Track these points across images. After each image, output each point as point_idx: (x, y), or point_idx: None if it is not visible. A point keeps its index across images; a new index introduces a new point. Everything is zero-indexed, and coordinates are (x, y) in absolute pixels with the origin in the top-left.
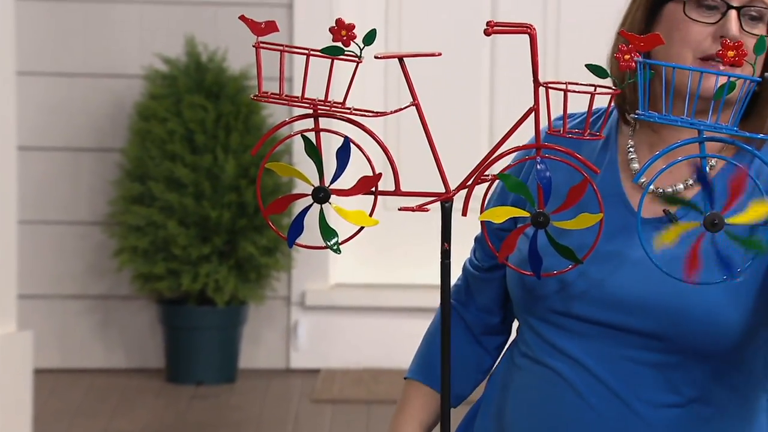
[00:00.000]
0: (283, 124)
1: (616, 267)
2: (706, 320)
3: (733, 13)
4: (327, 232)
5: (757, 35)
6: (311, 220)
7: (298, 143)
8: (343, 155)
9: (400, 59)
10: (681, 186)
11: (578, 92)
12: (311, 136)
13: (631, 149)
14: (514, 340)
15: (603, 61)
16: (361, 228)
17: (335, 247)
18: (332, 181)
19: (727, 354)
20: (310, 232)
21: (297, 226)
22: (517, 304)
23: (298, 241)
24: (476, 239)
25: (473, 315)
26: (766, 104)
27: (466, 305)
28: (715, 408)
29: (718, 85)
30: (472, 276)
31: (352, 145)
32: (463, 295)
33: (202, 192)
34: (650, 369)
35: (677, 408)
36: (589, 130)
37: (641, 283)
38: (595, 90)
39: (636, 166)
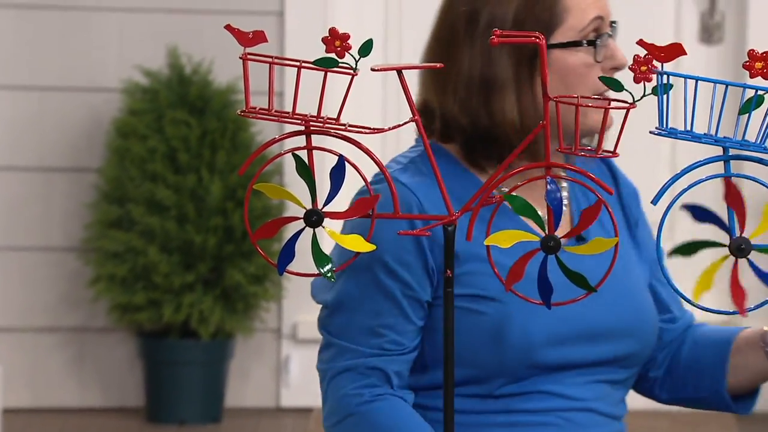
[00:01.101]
0: (273, 141)
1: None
2: (655, 332)
3: (611, 41)
4: (320, 258)
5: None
6: (303, 246)
7: (289, 162)
8: (337, 175)
9: (399, 71)
10: (565, 193)
11: (591, 106)
12: (303, 154)
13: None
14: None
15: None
16: (358, 254)
17: (329, 275)
18: (326, 203)
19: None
20: (302, 259)
21: (288, 252)
22: (492, 367)
23: (289, 267)
24: (374, 330)
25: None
26: None
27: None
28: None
29: (745, 99)
30: (398, 363)
31: (347, 164)
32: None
33: (185, 215)
34: (618, 386)
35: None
36: (602, 147)
37: (611, 311)
38: (608, 104)
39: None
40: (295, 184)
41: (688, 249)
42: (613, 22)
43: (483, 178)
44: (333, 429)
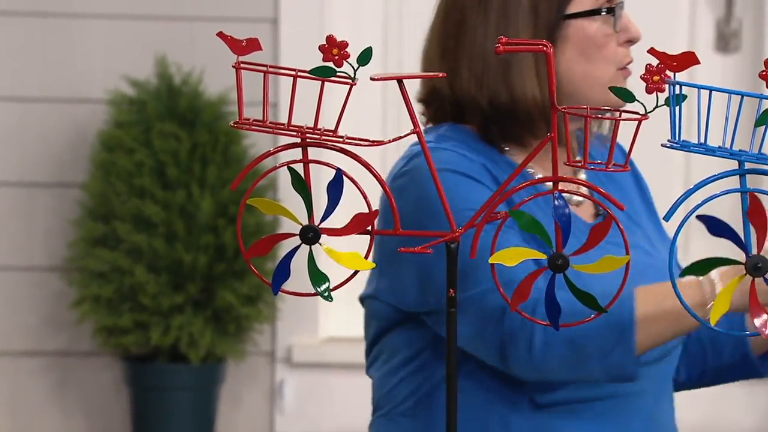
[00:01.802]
0: (267, 154)
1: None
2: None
3: (625, 13)
4: (317, 276)
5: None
6: (299, 264)
7: (283, 177)
8: (335, 190)
9: (400, 81)
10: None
11: (601, 118)
12: (299, 168)
13: (531, 169)
14: None
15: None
16: (356, 272)
17: (326, 294)
18: (323, 219)
19: None
20: (298, 278)
21: (283, 271)
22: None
23: (283, 287)
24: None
25: None
26: None
27: None
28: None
29: (762, 111)
30: None
31: (345, 178)
32: None
33: (174, 233)
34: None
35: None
36: (613, 161)
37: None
38: (619, 115)
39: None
40: (290, 200)
41: (702, 267)
42: None
43: (511, 157)
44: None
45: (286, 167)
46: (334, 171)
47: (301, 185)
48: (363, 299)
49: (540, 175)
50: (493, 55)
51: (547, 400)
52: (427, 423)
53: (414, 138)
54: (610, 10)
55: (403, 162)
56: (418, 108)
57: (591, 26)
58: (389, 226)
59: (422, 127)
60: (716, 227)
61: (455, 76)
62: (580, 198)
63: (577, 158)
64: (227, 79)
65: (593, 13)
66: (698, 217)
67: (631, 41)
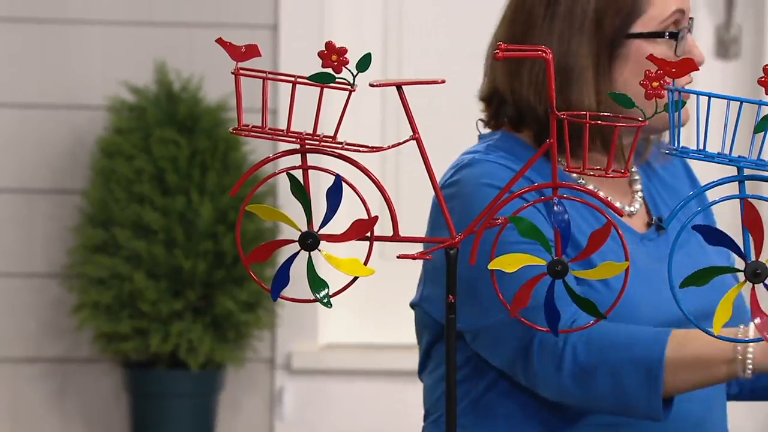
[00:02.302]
0: (267, 161)
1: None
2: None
3: (689, 37)
4: (316, 283)
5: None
6: (298, 270)
7: (283, 183)
8: (334, 196)
9: (399, 87)
10: (637, 205)
11: (601, 124)
12: (298, 174)
13: (581, 179)
14: None
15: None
16: (355, 278)
17: (326, 301)
18: (322, 226)
19: None
20: (297, 284)
21: (282, 277)
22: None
23: (283, 293)
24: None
25: None
26: None
27: None
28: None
29: (761, 117)
30: None
31: (344, 184)
32: None
33: (173, 239)
34: None
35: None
36: (612, 167)
37: (665, 307)
38: (618, 121)
39: (591, 187)
40: (290, 206)
41: (702, 277)
42: (691, 17)
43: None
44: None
45: (285, 173)
46: (333, 177)
47: (300, 191)
48: (412, 306)
49: (592, 186)
50: (555, 63)
51: (587, 420)
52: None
53: (467, 145)
54: (674, 35)
55: (452, 171)
56: (479, 106)
57: (651, 48)
58: (441, 233)
59: (480, 130)
60: (713, 236)
61: (516, 79)
62: (633, 209)
63: (613, 167)
64: (227, 86)
65: (656, 35)
66: (695, 227)
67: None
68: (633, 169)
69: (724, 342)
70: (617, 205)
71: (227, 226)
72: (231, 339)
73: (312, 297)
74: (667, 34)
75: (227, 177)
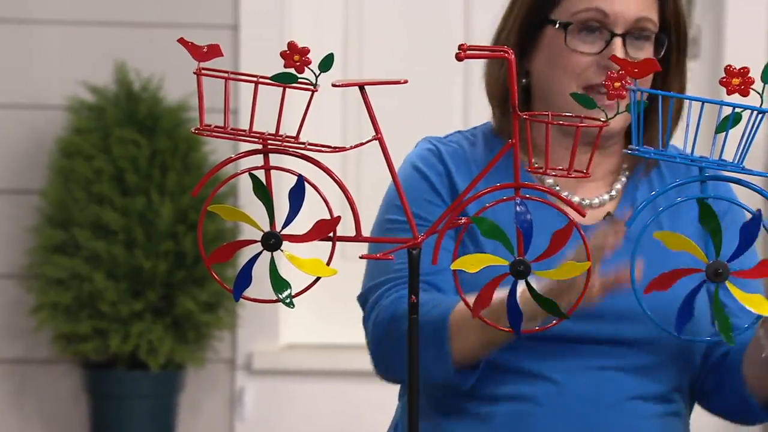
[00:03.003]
0: (229, 161)
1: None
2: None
3: (617, 40)
4: (278, 283)
5: (645, 59)
6: (260, 271)
7: (244, 183)
8: (296, 196)
9: (361, 87)
10: (596, 200)
11: (562, 124)
12: (260, 174)
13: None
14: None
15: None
16: (318, 279)
17: (288, 301)
18: (284, 226)
19: (693, 355)
20: (259, 284)
21: (244, 277)
22: None
23: (245, 294)
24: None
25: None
26: (653, 121)
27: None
28: (686, 409)
29: (722, 117)
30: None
31: (306, 184)
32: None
33: (133, 240)
34: (630, 373)
35: (657, 407)
36: (573, 167)
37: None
38: (581, 121)
39: (550, 182)
40: (251, 206)
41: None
42: (645, 28)
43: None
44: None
45: (247, 174)
46: (296, 177)
47: (263, 191)
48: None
49: (551, 181)
50: (500, 41)
51: (464, 409)
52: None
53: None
54: (565, 25)
55: None
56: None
57: (559, 38)
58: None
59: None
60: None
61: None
62: (590, 201)
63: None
64: (187, 86)
65: (549, 22)
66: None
67: (608, 68)
68: (625, 168)
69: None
70: (575, 199)
71: (188, 227)
72: (191, 339)
73: (274, 297)
74: (558, 23)
75: (188, 177)
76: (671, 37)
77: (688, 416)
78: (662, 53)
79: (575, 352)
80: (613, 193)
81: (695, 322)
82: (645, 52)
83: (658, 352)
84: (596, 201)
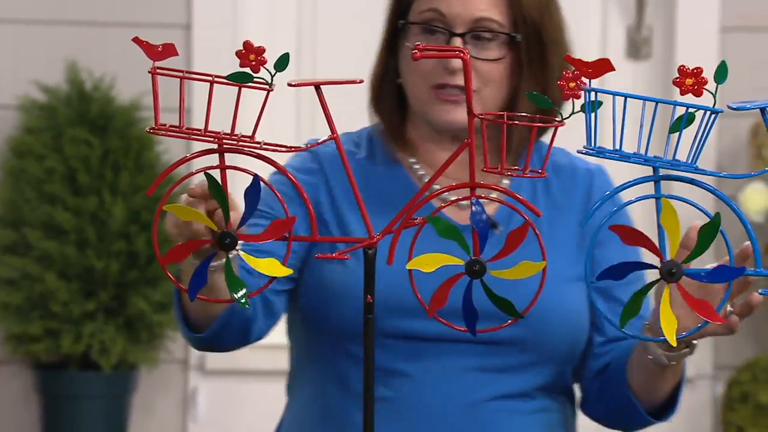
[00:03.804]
0: (184, 160)
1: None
2: (566, 324)
3: (456, 40)
4: (234, 283)
5: (490, 59)
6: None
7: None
8: (252, 195)
9: (317, 87)
10: (494, 194)
11: (518, 124)
12: (216, 173)
13: (416, 166)
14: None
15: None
16: (273, 278)
17: (243, 301)
18: (240, 225)
19: (573, 356)
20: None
21: (199, 277)
22: (338, 334)
23: (200, 294)
24: None
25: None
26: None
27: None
28: (558, 406)
29: (675, 117)
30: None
31: (262, 184)
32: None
33: (85, 240)
34: (500, 373)
35: (528, 408)
36: (530, 167)
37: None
38: (536, 121)
39: (422, 173)
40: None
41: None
42: (486, 28)
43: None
44: None
45: (203, 173)
46: (251, 177)
47: (219, 191)
48: None
49: (423, 172)
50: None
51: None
52: None
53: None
54: (404, 25)
55: None
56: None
57: (410, 38)
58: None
59: None
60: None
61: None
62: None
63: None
64: (139, 85)
65: (395, 23)
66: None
67: (447, 69)
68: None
69: None
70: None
71: (140, 226)
72: (144, 340)
73: (229, 297)
74: (400, 23)
75: (140, 177)
76: (523, 37)
77: (564, 413)
78: (514, 54)
79: (437, 351)
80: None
81: (578, 321)
82: (491, 52)
83: (528, 351)
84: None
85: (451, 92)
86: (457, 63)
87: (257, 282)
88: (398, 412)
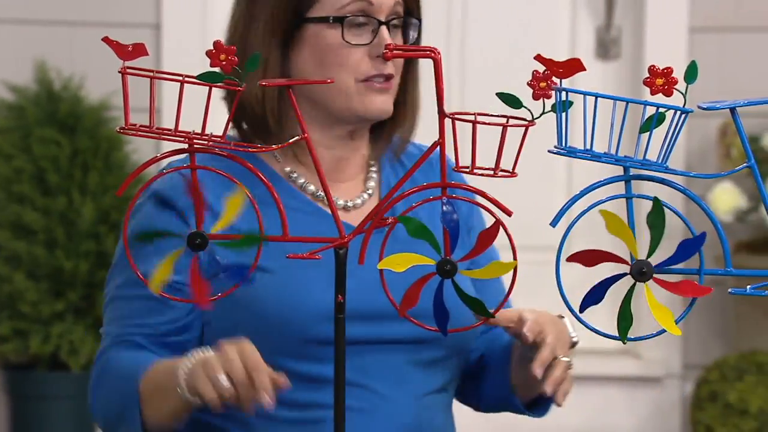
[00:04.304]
0: (154, 160)
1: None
2: (465, 319)
3: (383, 28)
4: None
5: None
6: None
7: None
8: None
9: (289, 87)
10: (358, 200)
11: (489, 124)
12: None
13: (293, 173)
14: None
15: (519, 90)
16: (244, 278)
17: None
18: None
19: (467, 351)
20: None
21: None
22: (263, 347)
23: (169, 295)
24: (147, 302)
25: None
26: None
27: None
28: (451, 395)
29: (646, 117)
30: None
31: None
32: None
33: (54, 240)
34: (421, 367)
35: (438, 396)
36: (500, 167)
37: (368, 298)
38: (507, 122)
39: (312, 188)
40: None
41: (591, 258)
42: (411, 18)
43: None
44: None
45: (177, 172)
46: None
47: (191, 191)
48: None
49: (303, 180)
50: (240, 49)
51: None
52: None
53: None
54: (338, 20)
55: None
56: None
57: (328, 34)
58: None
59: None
60: (590, 258)
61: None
62: (353, 203)
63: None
64: (108, 85)
65: (321, 20)
66: (570, 258)
67: (380, 56)
68: (372, 164)
69: (175, 367)
70: (339, 203)
71: (109, 226)
72: None
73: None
74: (331, 19)
75: (110, 177)
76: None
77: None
78: (416, 37)
79: (378, 352)
80: (369, 191)
81: (456, 316)
82: (398, 38)
83: (446, 346)
84: (359, 201)
85: (378, 81)
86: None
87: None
88: (354, 418)
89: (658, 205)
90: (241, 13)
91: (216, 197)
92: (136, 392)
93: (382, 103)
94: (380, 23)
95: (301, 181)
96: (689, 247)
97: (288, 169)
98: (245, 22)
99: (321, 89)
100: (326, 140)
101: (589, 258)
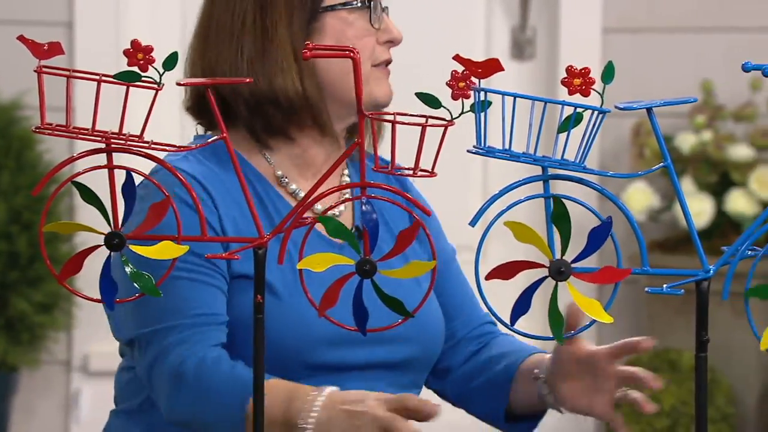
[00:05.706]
0: (71, 160)
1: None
2: (440, 338)
3: (385, 16)
4: (137, 278)
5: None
6: (95, 269)
7: (85, 180)
8: (129, 192)
9: (207, 87)
10: (343, 207)
11: (408, 124)
12: (103, 174)
13: (284, 178)
14: None
15: (434, 89)
16: (165, 277)
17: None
18: (123, 223)
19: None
20: (95, 284)
21: (108, 283)
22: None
23: (89, 295)
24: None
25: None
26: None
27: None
28: None
29: (563, 117)
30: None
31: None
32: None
33: None
34: (403, 390)
35: None
36: (420, 167)
37: (389, 316)
38: (426, 122)
39: (294, 187)
40: (88, 206)
41: (508, 271)
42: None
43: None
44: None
45: (71, 182)
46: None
47: (91, 197)
48: None
49: (294, 186)
50: (249, 45)
51: None
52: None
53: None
54: (367, 4)
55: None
56: (191, 120)
57: (347, 25)
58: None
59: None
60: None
61: (216, 72)
62: (337, 211)
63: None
64: (20, 84)
65: (346, 4)
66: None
67: (392, 42)
68: (345, 171)
69: (288, 404)
70: (318, 207)
71: (22, 226)
72: (25, 341)
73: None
74: (357, 3)
75: (22, 176)
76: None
77: None
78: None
79: (359, 380)
80: (347, 194)
81: (421, 318)
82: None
83: (422, 368)
84: (339, 210)
85: (384, 66)
86: (399, 35)
87: None
88: None
89: (558, 204)
90: (251, 9)
91: (220, 195)
92: (241, 410)
93: (389, 87)
94: (380, 6)
95: (293, 186)
96: (600, 234)
97: (280, 173)
98: (254, 19)
99: (340, 77)
100: (315, 140)
101: (506, 271)
